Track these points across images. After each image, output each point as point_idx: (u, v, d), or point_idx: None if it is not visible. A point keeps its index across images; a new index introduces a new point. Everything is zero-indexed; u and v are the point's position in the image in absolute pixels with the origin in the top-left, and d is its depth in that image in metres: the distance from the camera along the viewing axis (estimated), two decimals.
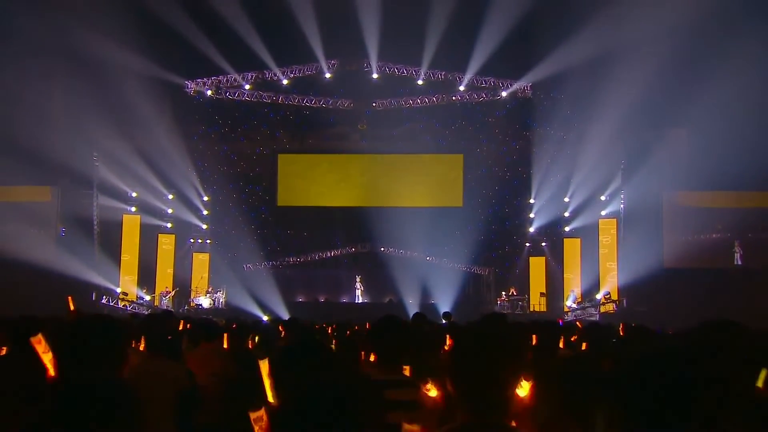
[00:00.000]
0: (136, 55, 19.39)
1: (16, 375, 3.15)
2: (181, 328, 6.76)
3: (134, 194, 22.55)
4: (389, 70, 23.19)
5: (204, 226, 23.83)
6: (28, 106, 18.99)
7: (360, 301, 23.22)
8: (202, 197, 23.71)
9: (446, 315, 10.55)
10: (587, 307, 22.13)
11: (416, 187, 24.92)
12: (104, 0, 18.63)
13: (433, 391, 3.18)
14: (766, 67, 17.02)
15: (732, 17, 17.59)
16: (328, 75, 23.02)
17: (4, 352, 3.99)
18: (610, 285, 22.20)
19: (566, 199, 23.36)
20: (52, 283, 18.21)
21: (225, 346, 5.81)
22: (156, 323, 5.38)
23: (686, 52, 17.99)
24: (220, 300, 22.30)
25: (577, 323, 9.98)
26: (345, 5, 19.89)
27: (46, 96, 19.82)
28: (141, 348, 4.74)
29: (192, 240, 23.74)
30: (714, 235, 21.99)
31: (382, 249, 23.90)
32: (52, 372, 2.59)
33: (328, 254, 24.34)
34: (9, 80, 18.41)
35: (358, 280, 23.44)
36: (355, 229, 24.09)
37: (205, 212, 23.86)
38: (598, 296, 22.10)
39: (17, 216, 19.76)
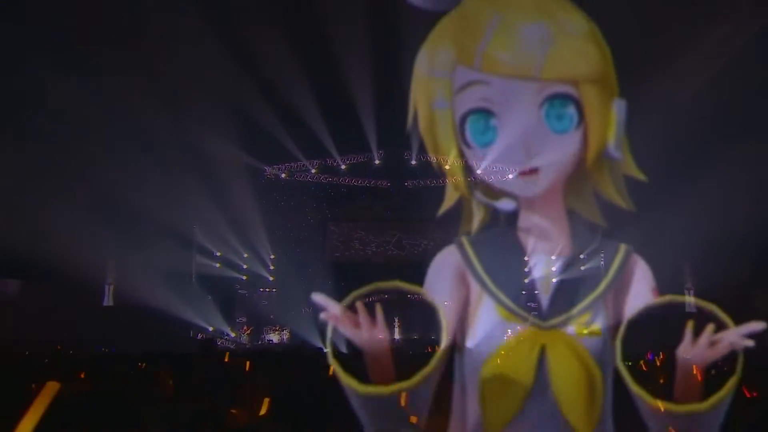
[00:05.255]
0: (231, 146, 23.69)
1: None
2: None
3: (218, 253, 27.42)
4: (424, 158, 28.35)
5: (271, 278, 28.94)
6: (145, 189, 23.15)
7: (396, 337, 28.03)
8: (270, 256, 29.08)
9: None
10: None
11: (432, 247, 30.14)
12: (208, 103, 22.67)
13: None
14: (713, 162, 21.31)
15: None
16: (377, 161, 28.93)
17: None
18: None
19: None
20: (166, 322, 23.05)
21: None
22: None
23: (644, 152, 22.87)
24: (285, 336, 27.42)
25: None
26: (399, 108, 24.62)
27: (157, 178, 24.04)
28: None
29: (261, 289, 28.93)
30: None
31: (408, 296, 28.89)
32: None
33: (364, 301, 29.23)
34: (134, 167, 22.68)
35: (396, 321, 28.35)
36: (385, 280, 29.00)
37: (271, 267, 28.97)
38: None
39: (138, 269, 24.18)
